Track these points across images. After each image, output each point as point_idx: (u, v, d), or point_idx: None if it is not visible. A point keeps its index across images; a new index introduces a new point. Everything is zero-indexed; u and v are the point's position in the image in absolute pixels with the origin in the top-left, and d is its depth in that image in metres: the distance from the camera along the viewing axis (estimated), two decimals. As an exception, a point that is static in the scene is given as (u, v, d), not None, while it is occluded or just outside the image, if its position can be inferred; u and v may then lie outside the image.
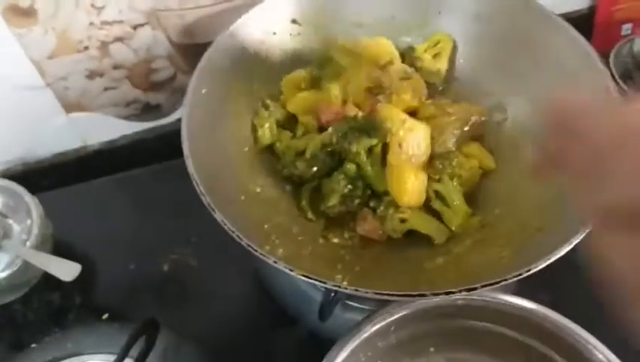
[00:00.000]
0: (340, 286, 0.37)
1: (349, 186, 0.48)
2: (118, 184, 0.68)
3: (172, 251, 0.60)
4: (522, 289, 0.48)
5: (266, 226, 0.47)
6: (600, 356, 0.42)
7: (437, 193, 0.49)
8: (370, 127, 0.48)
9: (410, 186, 0.47)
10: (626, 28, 0.80)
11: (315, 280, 0.38)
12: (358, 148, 0.47)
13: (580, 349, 0.42)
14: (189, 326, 0.55)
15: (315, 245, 0.48)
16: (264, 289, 0.57)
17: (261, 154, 0.53)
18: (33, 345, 0.55)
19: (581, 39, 0.50)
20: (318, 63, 0.56)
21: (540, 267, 0.38)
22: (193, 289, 0.58)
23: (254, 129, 0.53)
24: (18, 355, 0.55)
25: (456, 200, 0.48)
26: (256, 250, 0.40)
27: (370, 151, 0.48)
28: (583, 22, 0.75)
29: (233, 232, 0.40)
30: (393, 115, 0.49)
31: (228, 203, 0.44)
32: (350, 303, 0.54)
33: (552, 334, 0.43)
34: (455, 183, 0.49)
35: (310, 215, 0.50)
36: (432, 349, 0.48)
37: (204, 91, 0.50)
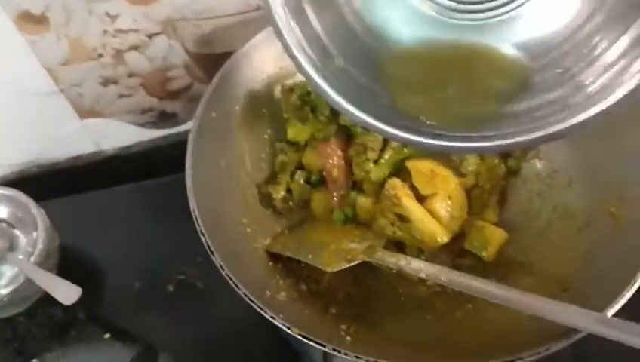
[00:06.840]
0: (340, 351, 0.34)
1: None
2: (129, 194, 0.66)
3: (178, 271, 0.58)
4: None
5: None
6: None
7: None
8: None
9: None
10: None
11: (314, 342, 0.35)
12: None
13: None
14: (190, 351, 0.54)
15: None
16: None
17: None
18: (34, 360, 0.55)
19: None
20: None
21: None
22: (198, 312, 0.56)
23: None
24: (19, 369, 0.54)
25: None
26: (253, 301, 0.37)
27: None
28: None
29: (231, 279, 0.38)
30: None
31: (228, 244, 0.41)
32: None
33: None
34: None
35: None
36: None
37: (214, 115, 0.47)
